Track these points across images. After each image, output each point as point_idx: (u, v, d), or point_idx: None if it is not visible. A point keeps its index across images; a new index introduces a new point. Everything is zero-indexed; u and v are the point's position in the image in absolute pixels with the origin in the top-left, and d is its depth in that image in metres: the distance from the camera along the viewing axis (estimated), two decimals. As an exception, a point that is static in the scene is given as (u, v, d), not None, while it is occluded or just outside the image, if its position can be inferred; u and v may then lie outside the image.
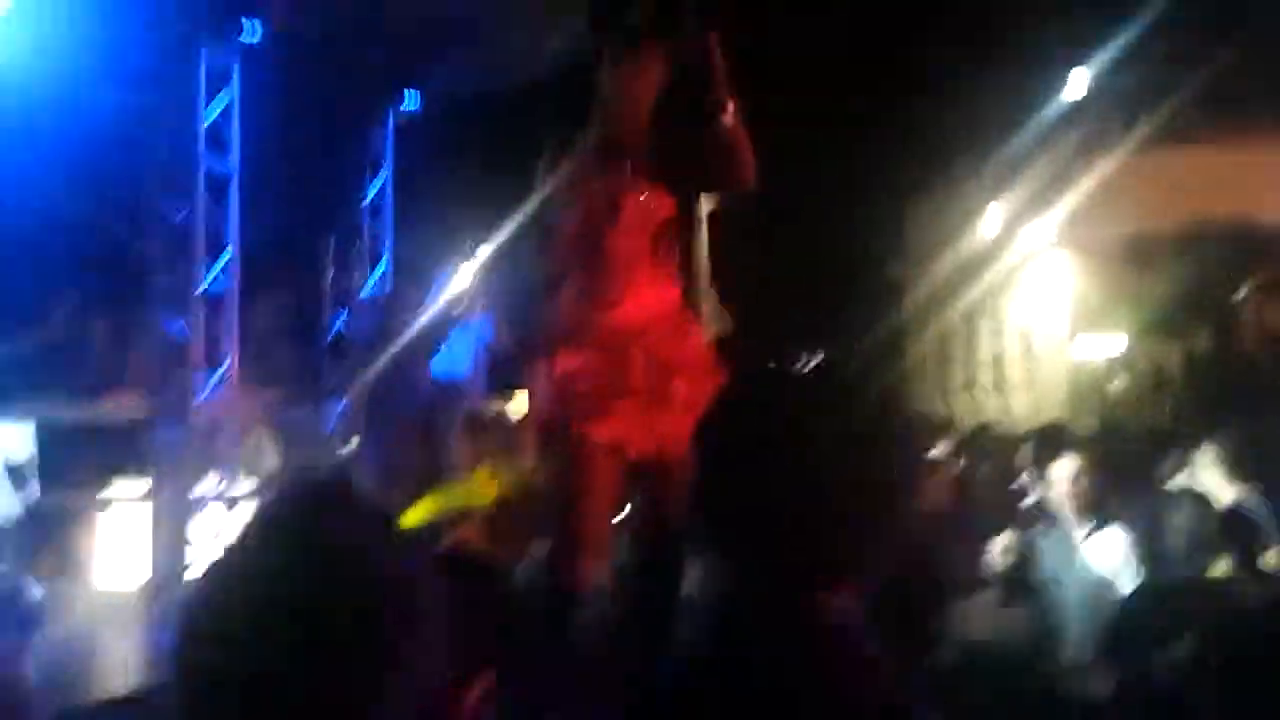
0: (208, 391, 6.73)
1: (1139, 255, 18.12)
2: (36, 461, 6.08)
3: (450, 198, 8.79)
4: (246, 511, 6.98)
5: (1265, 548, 5.30)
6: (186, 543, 6.34)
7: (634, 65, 3.78)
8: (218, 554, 1.43)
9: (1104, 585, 5.47)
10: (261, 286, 7.70)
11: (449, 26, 7.81)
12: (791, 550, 1.85)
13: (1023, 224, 18.31)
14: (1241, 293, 17.71)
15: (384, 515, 1.53)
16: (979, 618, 5.52)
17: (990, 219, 18.52)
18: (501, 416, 7.23)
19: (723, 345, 4.17)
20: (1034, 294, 19.39)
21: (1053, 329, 19.11)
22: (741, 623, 1.88)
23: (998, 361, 20.22)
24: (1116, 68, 17.26)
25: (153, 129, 6.78)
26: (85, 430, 6.59)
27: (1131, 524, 5.61)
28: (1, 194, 6.47)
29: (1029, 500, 6.55)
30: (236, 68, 7.05)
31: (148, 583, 6.01)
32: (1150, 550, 5.42)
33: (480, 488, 5.70)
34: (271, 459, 7.40)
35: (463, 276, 8.40)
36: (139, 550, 6.16)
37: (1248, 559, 5.12)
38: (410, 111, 8.44)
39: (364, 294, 8.17)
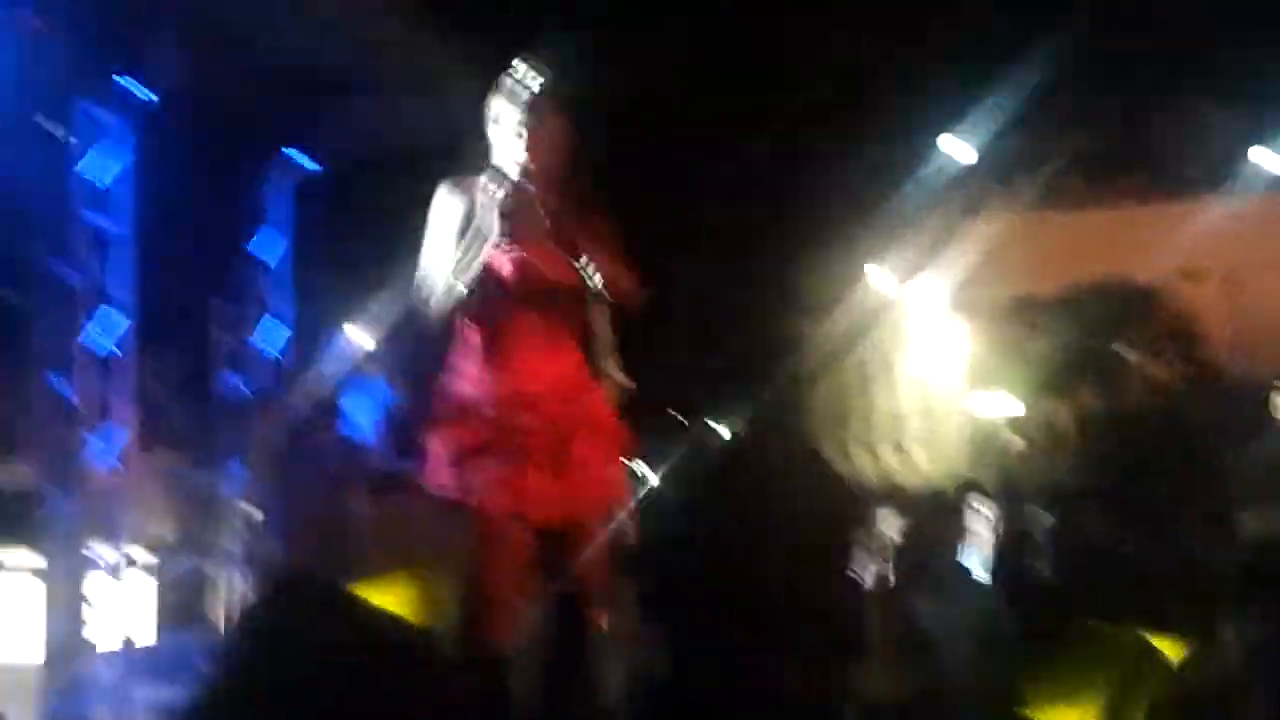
0: (98, 456, 6.46)
1: (1024, 316, 18.57)
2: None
3: (348, 257, 8.65)
4: (142, 580, 6.71)
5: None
6: (81, 614, 6.06)
7: (530, 131, 3.85)
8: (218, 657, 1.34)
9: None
10: (153, 347, 7.46)
11: (346, 86, 7.74)
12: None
13: (911, 284, 18.69)
14: (1123, 349, 18.21)
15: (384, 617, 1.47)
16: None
17: (879, 279, 18.87)
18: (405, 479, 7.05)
19: (624, 407, 4.17)
20: (927, 353, 19.74)
21: (946, 387, 19.45)
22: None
23: (894, 419, 20.54)
24: (992, 133, 17.79)
25: (38, 185, 6.56)
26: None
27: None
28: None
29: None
30: (127, 124, 6.87)
31: (44, 655, 5.75)
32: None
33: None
34: (167, 524, 7.15)
35: (360, 336, 8.28)
36: (32, 622, 5.89)
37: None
38: (307, 170, 8.32)
39: (259, 354, 7.98)
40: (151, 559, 6.93)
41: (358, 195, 8.92)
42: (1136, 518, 7.06)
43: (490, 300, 3.80)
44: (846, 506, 8.02)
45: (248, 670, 1.30)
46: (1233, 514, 6.19)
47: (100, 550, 6.36)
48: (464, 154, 4.21)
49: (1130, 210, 18.56)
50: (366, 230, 8.79)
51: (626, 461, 4.08)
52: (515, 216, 3.78)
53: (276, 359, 8.03)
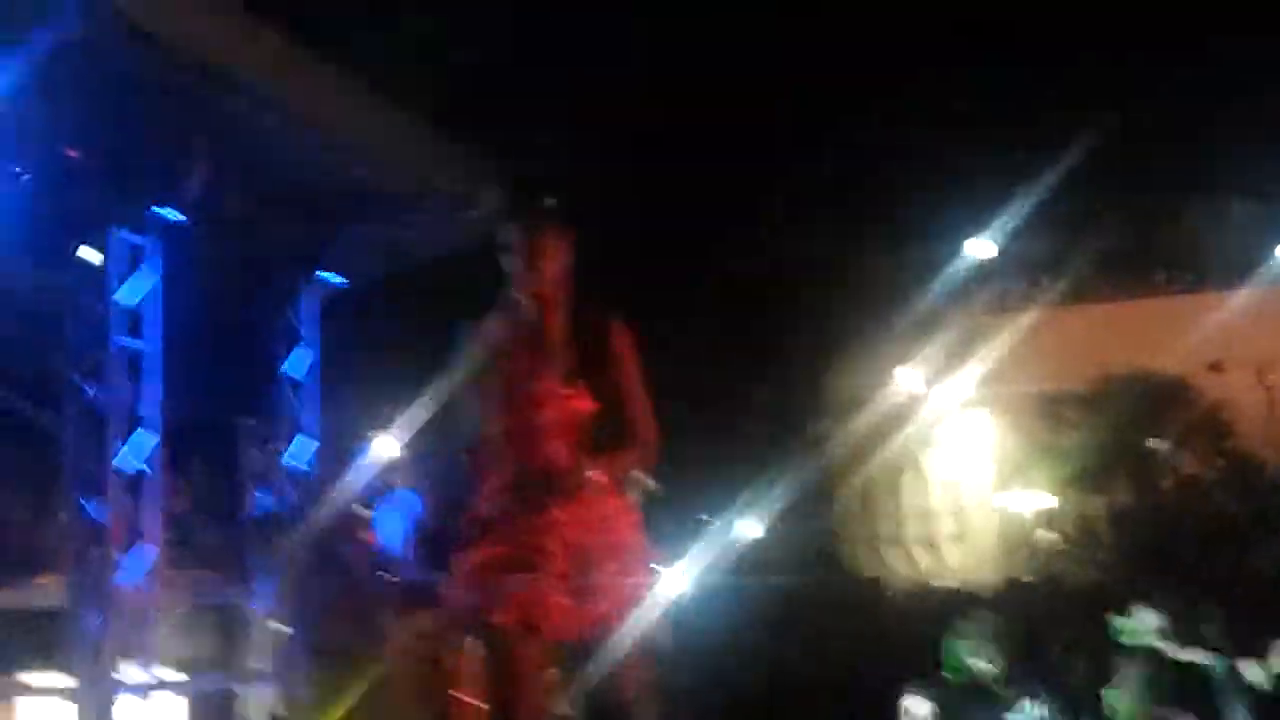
0: (127, 575, 6.50)
1: (1052, 411, 18.49)
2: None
3: (373, 371, 8.75)
4: (172, 700, 6.71)
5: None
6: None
7: (543, 249, 3.91)
8: None
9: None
10: (182, 465, 7.54)
11: (368, 205, 7.89)
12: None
13: (940, 381, 18.64)
14: (1154, 443, 18.08)
15: None
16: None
17: (907, 377, 18.84)
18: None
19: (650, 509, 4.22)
20: (957, 449, 19.63)
21: (977, 484, 19.30)
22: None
23: (925, 516, 20.36)
24: (1018, 232, 17.88)
25: (68, 307, 6.70)
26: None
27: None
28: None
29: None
30: (154, 245, 7.02)
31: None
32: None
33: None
34: (197, 644, 7.16)
35: (387, 450, 8.33)
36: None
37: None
38: (331, 286, 8.44)
39: (288, 470, 8.02)
40: (181, 678, 6.93)
41: (384, 309, 9.06)
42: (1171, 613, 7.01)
43: (513, 429, 3.88)
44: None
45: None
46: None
47: (129, 670, 6.37)
48: (484, 269, 4.29)
49: (1158, 304, 18.55)
50: (392, 344, 8.90)
51: (649, 577, 4.10)
52: (524, 344, 3.88)
53: (305, 474, 8.07)
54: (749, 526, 14.41)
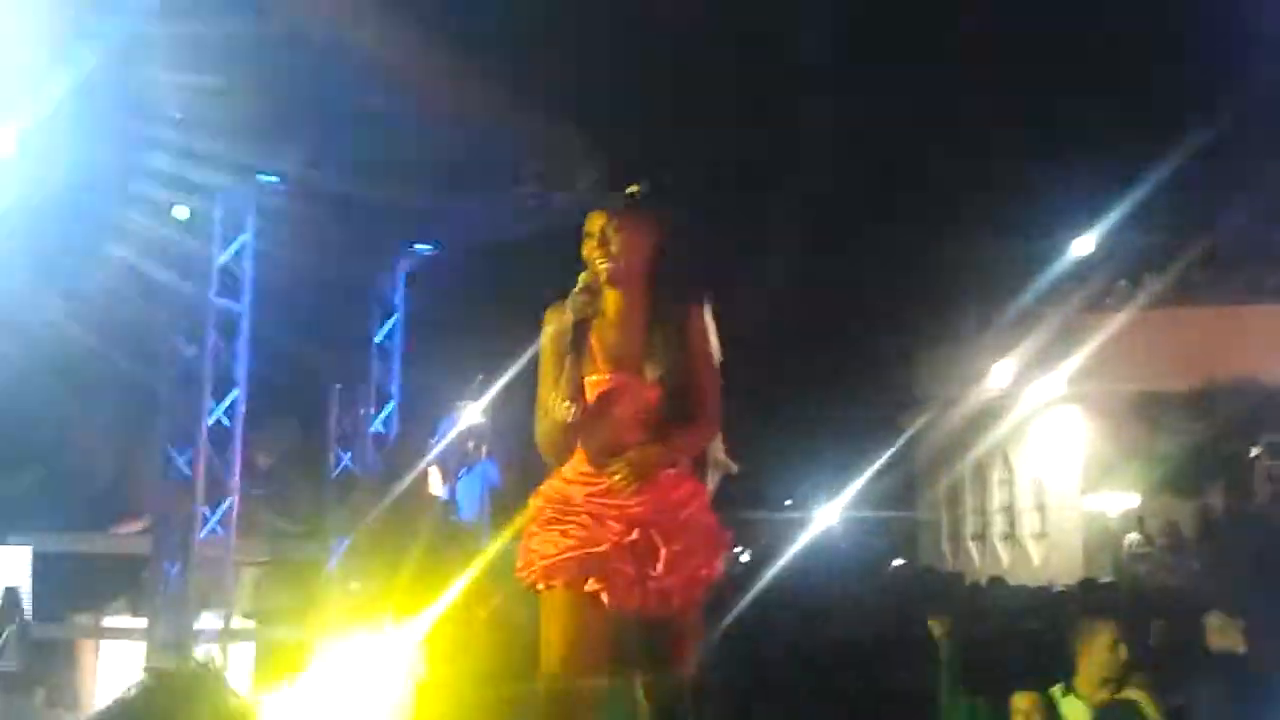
0: (210, 527, 6.76)
1: (1148, 412, 18.23)
2: (31, 590, 6.09)
3: (457, 340, 8.93)
4: (243, 649, 6.97)
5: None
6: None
7: (635, 226, 4.05)
8: None
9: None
10: (268, 423, 7.78)
11: (460, 178, 8.03)
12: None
13: (1033, 378, 18.46)
14: (1253, 450, 17.74)
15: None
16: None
17: (1000, 372, 18.67)
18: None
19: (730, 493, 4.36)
20: (1045, 447, 19.44)
21: (1064, 482, 19.10)
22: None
23: (1009, 513, 20.17)
24: (1123, 229, 17.60)
25: (168, 268, 6.94)
26: (85, 560, 6.63)
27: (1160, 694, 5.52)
28: (15, 327, 6.60)
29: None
30: (252, 210, 7.23)
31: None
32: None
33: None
34: (272, 597, 7.41)
35: (469, 418, 8.51)
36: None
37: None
38: (421, 255, 8.63)
39: (370, 434, 8.26)
40: (254, 627, 7.19)
41: (471, 280, 9.23)
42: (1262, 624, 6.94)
43: (592, 413, 4.01)
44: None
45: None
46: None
47: (207, 618, 6.63)
48: (575, 247, 4.40)
49: (1262, 308, 18.17)
50: (478, 313, 9.08)
51: (720, 558, 4.21)
52: (601, 329, 4.01)
53: (388, 438, 8.30)
54: (832, 515, 14.48)
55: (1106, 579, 15.32)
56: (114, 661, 6.27)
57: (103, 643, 6.57)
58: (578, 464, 4.05)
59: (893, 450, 15.72)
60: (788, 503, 16.27)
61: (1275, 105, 15.48)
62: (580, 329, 4.01)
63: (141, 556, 6.59)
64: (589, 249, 4.09)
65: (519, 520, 4.23)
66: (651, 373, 4.03)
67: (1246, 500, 16.74)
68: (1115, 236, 17.06)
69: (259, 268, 7.25)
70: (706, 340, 4.16)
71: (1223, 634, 6.79)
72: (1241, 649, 6.66)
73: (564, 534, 3.96)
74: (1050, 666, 6.06)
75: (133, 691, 1.62)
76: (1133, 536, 16.67)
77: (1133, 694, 5.44)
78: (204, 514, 6.68)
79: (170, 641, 6.32)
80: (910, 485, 19.03)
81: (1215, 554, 15.77)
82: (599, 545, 3.91)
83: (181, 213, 6.90)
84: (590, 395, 4.02)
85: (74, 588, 6.51)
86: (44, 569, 6.31)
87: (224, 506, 6.81)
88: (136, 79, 6.38)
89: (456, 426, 8.54)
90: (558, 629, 3.92)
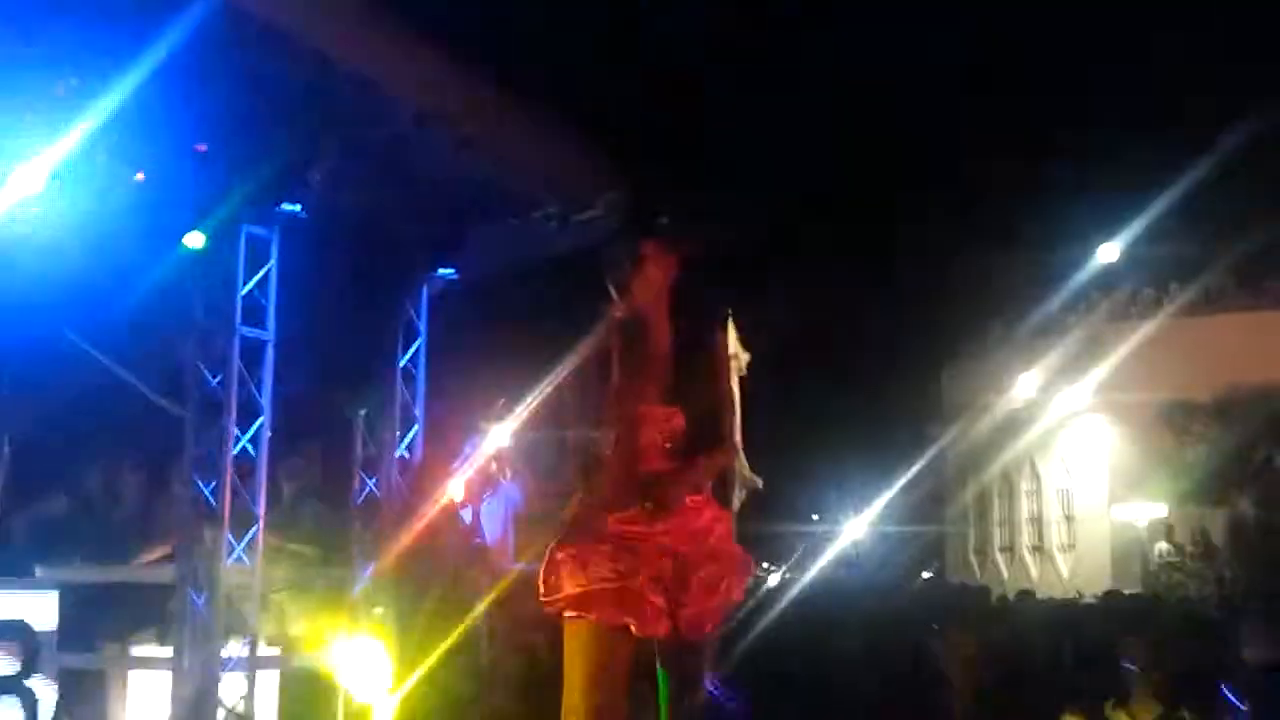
0: (236, 555, 6.81)
1: (1175, 421, 18.13)
2: (59, 620, 6.16)
3: (481, 364, 8.95)
4: (268, 677, 7.01)
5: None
6: (212, 708, 6.36)
7: (659, 257, 4.09)
8: None
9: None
10: (292, 450, 7.83)
11: (482, 202, 8.09)
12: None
13: (1059, 388, 18.39)
14: (1280, 457, 17.53)
15: None
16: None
17: (1026, 383, 18.61)
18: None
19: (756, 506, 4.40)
20: (1072, 458, 19.35)
21: (1092, 493, 19.01)
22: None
23: (1037, 524, 20.08)
24: (1149, 238, 17.52)
25: (193, 297, 7.00)
26: (112, 590, 6.69)
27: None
28: (42, 358, 6.68)
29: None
30: (275, 239, 7.29)
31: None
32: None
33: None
34: (297, 624, 7.45)
35: (493, 442, 8.52)
36: (162, 716, 6.19)
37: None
38: (444, 279, 8.66)
39: (395, 458, 8.29)
40: (280, 655, 7.22)
41: (494, 304, 9.25)
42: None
43: (620, 441, 4.04)
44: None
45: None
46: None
47: (233, 646, 6.67)
48: (597, 271, 4.43)
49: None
50: (502, 340, 9.11)
51: (743, 581, 4.24)
52: (625, 358, 4.03)
53: (412, 463, 8.32)
54: (859, 528, 14.45)
55: (1134, 590, 15.25)
56: (142, 691, 6.32)
57: (131, 672, 6.63)
58: (605, 490, 4.07)
59: (920, 463, 15.69)
60: (815, 517, 16.24)
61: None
62: (604, 359, 4.05)
63: (168, 585, 6.64)
64: (614, 279, 4.12)
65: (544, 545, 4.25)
66: (677, 401, 4.06)
67: (1276, 508, 16.63)
68: (1141, 245, 16.97)
69: (283, 295, 7.29)
70: (728, 365, 4.20)
71: (1261, 644, 6.77)
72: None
73: (593, 563, 3.98)
74: (1101, 684, 6.06)
75: None
76: (1162, 546, 16.59)
77: (1185, 715, 5.43)
78: (229, 542, 6.72)
79: (197, 671, 6.36)
80: (938, 498, 18.99)
81: (1246, 562, 15.67)
82: (629, 577, 3.93)
83: (197, 240, 6.92)
84: (618, 425, 4.05)
85: (102, 618, 6.57)
86: (73, 599, 6.39)
87: (249, 535, 6.85)
88: (159, 111, 6.44)
89: (480, 449, 8.56)
90: (584, 660, 3.94)
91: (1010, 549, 19.74)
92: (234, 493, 6.81)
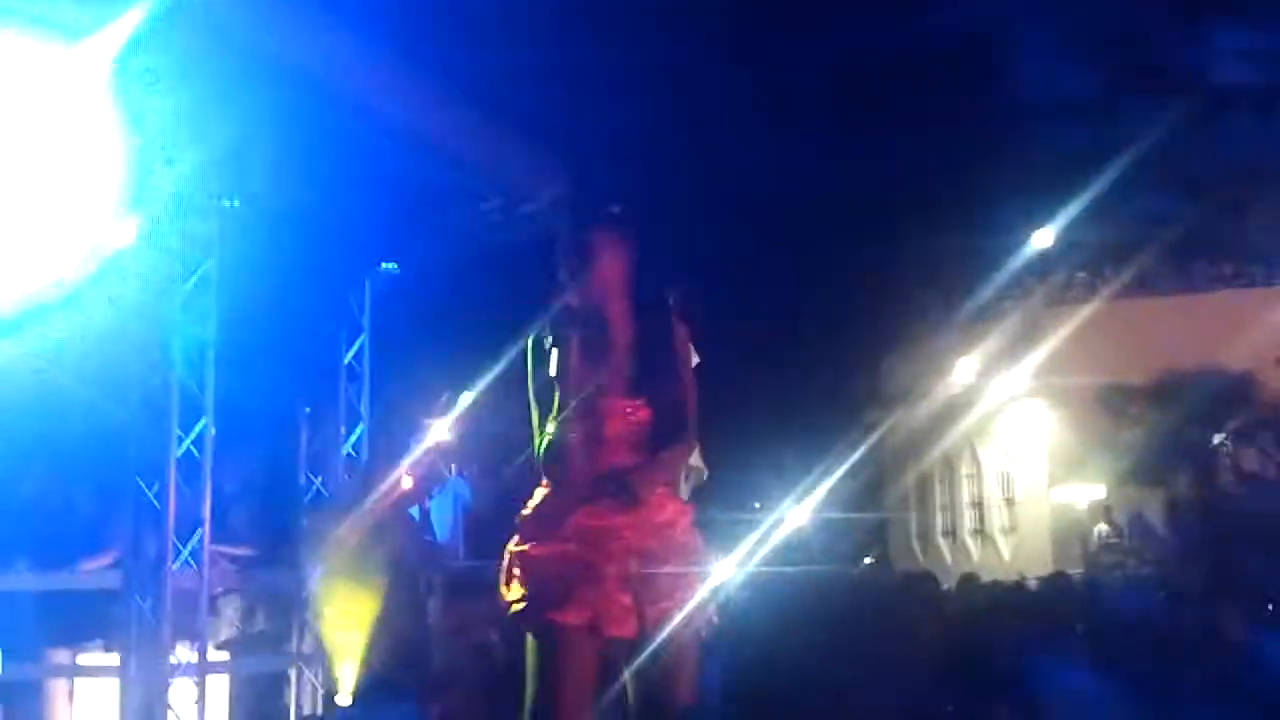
0: (181, 559, 6.67)
1: (1112, 403, 18.34)
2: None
3: (426, 358, 8.87)
4: (217, 680, 6.88)
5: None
6: (162, 716, 6.23)
7: (614, 245, 4.04)
8: None
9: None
10: (237, 450, 7.69)
11: (424, 195, 7.98)
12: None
13: (997, 373, 18.55)
14: (1217, 438, 17.90)
15: None
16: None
17: (965, 368, 18.75)
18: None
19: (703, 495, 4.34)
20: (1012, 441, 19.53)
21: (1032, 476, 19.20)
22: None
23: (978, 508, 20.27)
24: (1082, 224, 17.71)
25: (130, 295, 6.84)
26: (55, 598, 6.53)
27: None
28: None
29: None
30: (215, 235, 7.15)
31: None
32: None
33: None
34: (247, 626, 7.33)
35: (436, 436, 8.44)
36: (110, 722, 6.05)
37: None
38: (387, 274, 8.56)
39: (341, 456, 8.18)
40: (229, 660, 7.10)
41: (438, 299, 9.16)
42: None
43: (582, 434, 3.96)
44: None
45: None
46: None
47: (181, 652, 6.54)
48: (539, 263, 4.36)
49: (1223, 297, 18.33)
50: (446, 333, 9.02)
51: (704, 575, 4.18)
52: (584, 348, 3.96)
53: (359, 461, 8.21)
54: (801, 515, 14.47)
55: (1076, 571, 15.41)
56: (89, 701, 6.17)
57: (77, 682, 6.48)
58: (568, 482, 3.99)
59: (861, 449, 15.75)
60: (757, 505, 16.25)
61: (1234, 98, 15.62)
62: (564, 349, 3.97)
63: (114, 592, 6.49)
64: (569, 267, 4.06)
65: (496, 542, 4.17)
66: (640, 393, 4.00)
67: (1211, 488, 16.88)
68: (1074, 231, 17.15)
69: (224, 292, 7.16)
70: (688, 357, 4.15)
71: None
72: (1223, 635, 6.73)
73: (556, 560, 3.90)
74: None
75: None
76: (1101, 527, 16.78)
77: None
78: (175, 546, 6.58)
79: (145, 678, 6.23)
80: (879, 484, 19.07)
81: (1180, 543, 15.91)
82: (595, 575, 3.86)
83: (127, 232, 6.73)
84: (579, 415, 3.97)
85: (46, 626, 6.41)
86: (12, 607, 6.23)
87: (195, 538, 6.71)
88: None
89: (424, 445, 8.47)
90: (547, 661, 3.86)
91: (952, 533, 19.91)
92: (179, 495, 6.67)
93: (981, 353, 18.32)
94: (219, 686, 6.82)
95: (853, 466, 15.43)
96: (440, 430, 8.58)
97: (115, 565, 6.69)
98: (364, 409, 8.38)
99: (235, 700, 6.90)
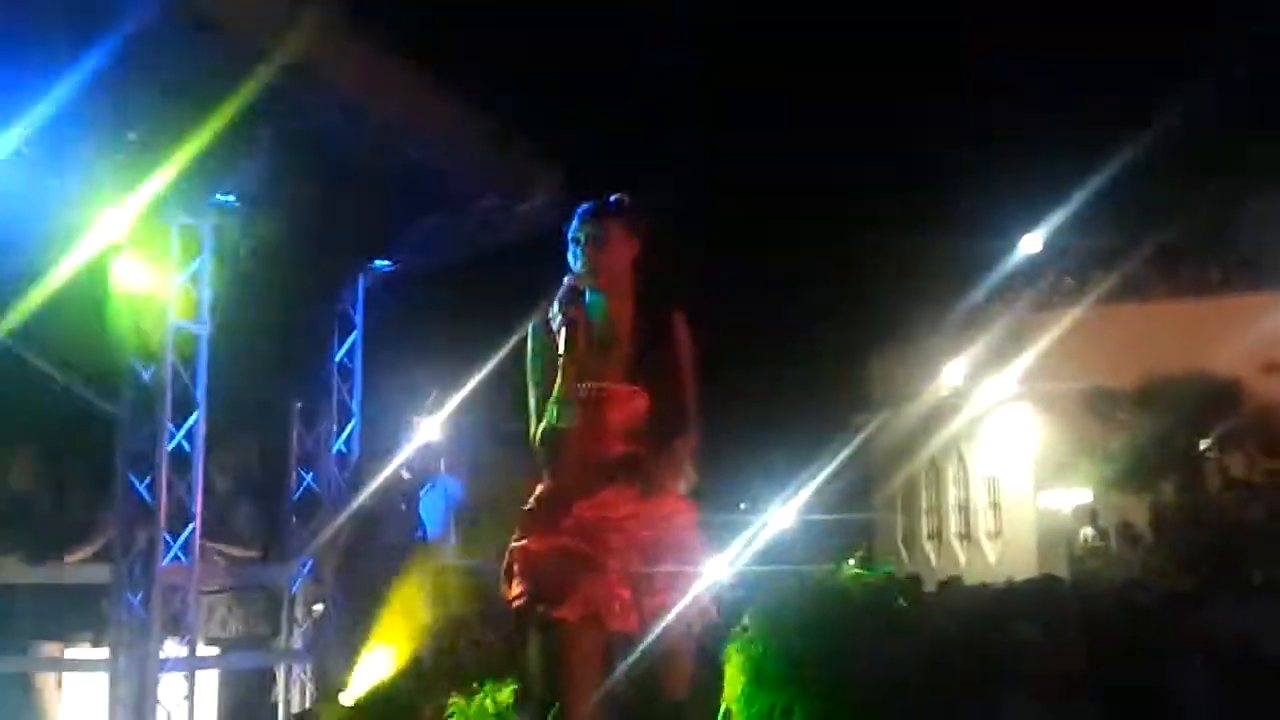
0: (172, 553, 6.66)
1: (1098, 408, 18.39)
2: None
3: (417, 356, 8.87)
4: (207, 676, 6.88)
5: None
6: (151, 710, 6.22)
7: (619, 232, 4.03)
8: None
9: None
10: (229, 446, 7.69)
11: (419, 194, 7.98)
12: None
13: (985, 377, 18.59)
14: (1203, 444, 17.93)
15: None
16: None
17: (953, 371, 18.79)
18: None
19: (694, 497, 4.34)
20: (998, 445, 19.57)
21: (1018, 480, 19.24)
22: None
23: (964, 511, 20.32)
24: (1071, 229, 17.78)
25: (124, 290, 6.83)
26: (45, 592, 6.52)
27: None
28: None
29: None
30: (209, 231, 7.15)
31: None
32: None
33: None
34: (237, 622, 7.32)
35: (425, 433, 8.44)
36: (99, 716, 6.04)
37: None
38: (380, 271, 8.55)
39: (332, 452, 8.16)
40: (219, 655, 7.09)
41: (431, 297, 9.16)
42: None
43: (583, 420, 3.96)
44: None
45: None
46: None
47: (170, 646, 6.53)
48: (533, 261, 4.37)
49: (1210, 303, 18.39)
50: (439, 331, 9.02)
51: (702, 569, 4.18)
52: (588, 337, 3.96)
53: (350, 457, 8.20)
54: (787, 517, 14.47)
55: (1060, 575, 15.42)
56: (78, 695, 6.17)
57: (65, 676, 6.47)
58: (570, 473, 4.00)
59: (847, 451, 15.75)
60: (743, 506, 16.25)
61: (1222, 104, 15.68)
62: (569, 333, 3.97)
63: (104, 586, 6.48)
64: (575, 251, 4.06)
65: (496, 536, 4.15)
66: (640, 382, 4.00)
67: (1197, 494, 16.92)
68: (1063, 236, 17.21)
69: (217, 288, 7.16)
70: (690, 349, 4.14)
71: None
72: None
73: (558, 554, 3.89)
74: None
75: None
76: (1086, 531, 16.81)
77: None
78: (166, 540, 6.57)
79: (134, 673, 6.22)
80: (866, 486, 19.09)
81: (1166, 548, 15.94)
82: (596, 571, 3.85)
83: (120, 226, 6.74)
84: (580, 402, 3.97)
85: (35, 620, 6.40)
86: (1, 601, 6.22)
87: (186, 533, 6.70)
88: (84, 103, 6.28)
89: (413, 443, 8.48)
90: (551, 656, 3.85)
91: (938, 536, 19.94)
92: (170, 489, 6.66)
93: (969, 357, 18.35)
94: (208, 682, 6.81)
95: (840, 469, 15.44)
96: (428, 428, 8.59)
97: (102, 553, 6.66)
98: (355, 406, 8.37)
99: (222, 696, 6.89)
